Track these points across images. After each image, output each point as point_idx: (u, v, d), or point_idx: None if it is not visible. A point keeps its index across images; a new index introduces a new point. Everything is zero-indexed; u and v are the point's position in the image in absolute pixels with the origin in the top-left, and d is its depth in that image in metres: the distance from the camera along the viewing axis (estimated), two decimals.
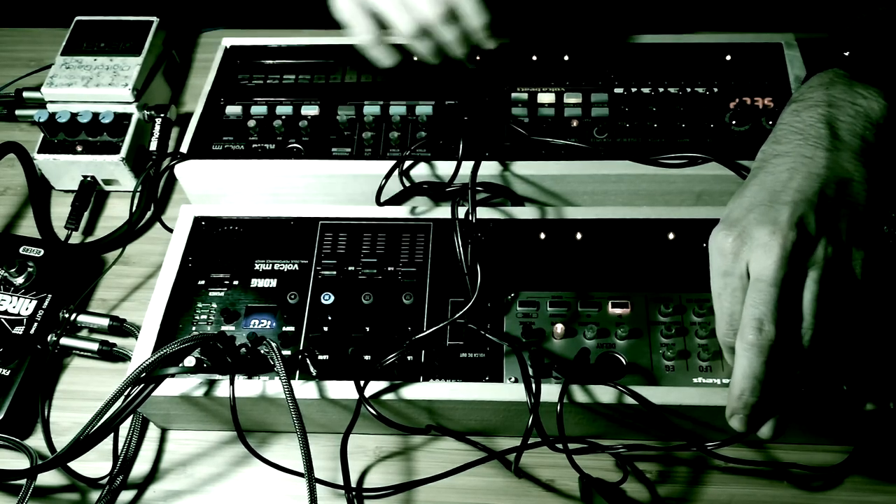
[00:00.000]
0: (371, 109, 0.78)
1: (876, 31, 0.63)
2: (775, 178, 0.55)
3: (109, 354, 0.72)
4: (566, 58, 0.79)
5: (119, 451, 0.66)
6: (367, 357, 0.63)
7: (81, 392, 0.72)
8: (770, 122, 0.74)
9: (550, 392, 0.59)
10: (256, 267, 0.69)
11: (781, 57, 0.79)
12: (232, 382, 0.60)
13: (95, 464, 0.66)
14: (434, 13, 0.68)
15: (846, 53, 0.60)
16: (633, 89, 0.78)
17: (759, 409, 0.53)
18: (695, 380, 0.61)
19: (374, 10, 0.70)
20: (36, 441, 0.69)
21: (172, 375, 0.60)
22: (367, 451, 0.67)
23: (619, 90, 0.78)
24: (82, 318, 0.73)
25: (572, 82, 0.69)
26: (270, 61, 0.84)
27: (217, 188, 0.77)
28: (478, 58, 0.80)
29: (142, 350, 0.64)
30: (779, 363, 0.52)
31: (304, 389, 0.61)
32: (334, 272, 0.68)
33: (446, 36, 0.69)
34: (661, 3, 0.92)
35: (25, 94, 0.89)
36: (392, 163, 0.73)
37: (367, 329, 0.65)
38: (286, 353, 0.64)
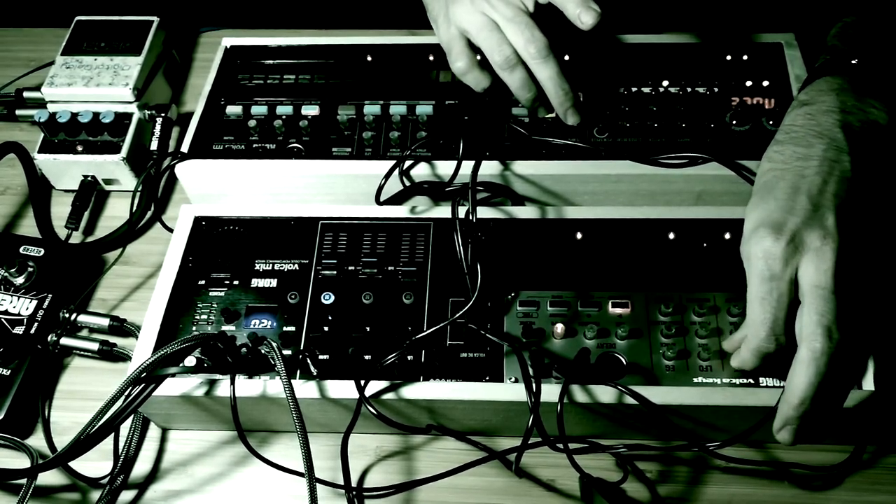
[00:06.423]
0: (371, 109, 0.78)
1: (880, 40, 0.64)
2: (810, 182, 0.55)
3: (110, 354, 0.72)
4: (566, 57, 0.79)
5: (119, 451, 0.67)
6: (367, 357, 0.63)
7: (82, 392, 0.72)
8: (770, 122, 0.74)
9: (551, 392, 0.59)
10: (257, 267, 0.69)
11: (782, 57, 0.78)
12: (233, 382, 0.60)
13: (96, 463, 0.66)
14: (523, 47, 0.69)
15: (853, 62, 0.61)
16: (633, 89, 0.78)
17: (810, 418, 0.53)
18: (695, 380, 0.61)
19: (470, 39, 0.72)
20: (36, 441, 0.69)
21: (173, 375, 0.60)
22: (368, 450, 0.67)
23: (619, 90, 0.78)
24: (82, 318, 0.73)
25: (573, 82, 0.70)
26: (270, 61, 0.83)
27: (217, 188, 0.77)
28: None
29: (142, 350, 0.64)
30: (841, 370, 0.52)
31: (305, 389, 0.61)
32: (334, 272, 0.68)
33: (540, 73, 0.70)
34: (662, 2, 0.92)
35: (26, 94, 0.89)
36: (392, 162, 0.73)
37: (368, 329, 0.65)
38: (287, 352, 0.64)
